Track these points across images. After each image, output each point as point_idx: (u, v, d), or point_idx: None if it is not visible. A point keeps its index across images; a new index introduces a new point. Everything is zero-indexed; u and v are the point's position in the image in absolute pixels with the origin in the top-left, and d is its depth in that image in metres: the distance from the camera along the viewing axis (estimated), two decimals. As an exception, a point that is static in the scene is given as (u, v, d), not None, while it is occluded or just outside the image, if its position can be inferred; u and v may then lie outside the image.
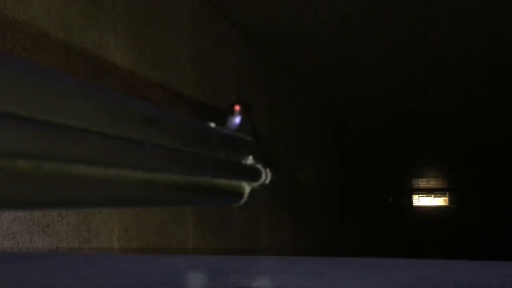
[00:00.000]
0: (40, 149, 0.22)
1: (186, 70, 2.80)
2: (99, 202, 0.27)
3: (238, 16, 3.39)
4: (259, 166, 0.45)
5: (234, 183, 0.44)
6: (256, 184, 0.45)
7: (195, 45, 2.92)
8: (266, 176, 0.44)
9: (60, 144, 0.23)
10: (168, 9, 2.64)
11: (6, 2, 1.59)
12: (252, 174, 0.44)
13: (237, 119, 0.45)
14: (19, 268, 1.15)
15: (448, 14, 3.42)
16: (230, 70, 3.46)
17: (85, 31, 1.96)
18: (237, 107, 0.45)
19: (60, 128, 0.23)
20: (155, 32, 2.50)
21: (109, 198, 0.27)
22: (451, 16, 3.46)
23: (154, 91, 2.47)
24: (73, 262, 1.33)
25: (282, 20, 3.51)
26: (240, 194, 0.44)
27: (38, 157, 0.22)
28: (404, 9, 3.34)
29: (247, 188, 0.45)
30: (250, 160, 0.45)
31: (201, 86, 2.97)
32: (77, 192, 0.25)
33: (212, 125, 0.40)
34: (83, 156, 0.25)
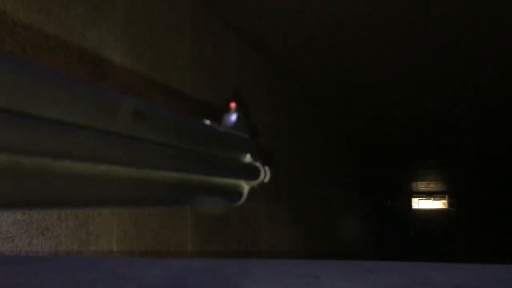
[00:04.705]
0: (19, 143, 0.20)
1: (185, 72, 2.81)
2: (87, 201, 0.25)
3: (237, 19, 3.40)
4: (258, 164, 0.44)
5: (232, 181, 0.42)
6: (255, 182, 0.44)
7: (195, 48, 2.93)
8: (265, 175, 0.44)
9: (42, 138, 0.21)
10: (167, 12, 2.64)
11: (6, 6, 1.60)
12: (250, 172, 0.43)
13: (233, 117, 0.44)
14: (18, 272, 1.15)
15: (448, 17, 3.43)
16: (230, 73, 3.46)
17: (84, 34, 1.97)
18: (232, 105, 0.44)
19: (42, 121, 0.21)
20: (154, 35, 2.50)
21: (98, 197, 0.25)
22: (451, 19, 3.47)
23: (153, 93, 2.47)
24: (72, 265, 1.33)
25: (282, 23, 3.52)
26: (239, 193, 0.43)
27: (17, 151, 0.20)
28: (404, 12, 3.35)
29: (245, 187, 0.44)
30: (248, 158, 0.44)
31: (201, 88, 2.97)
32: (62, 190, 0.23)
33: (207, 122, 0.39)
34: (67, 151, 0.23)
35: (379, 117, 6.94)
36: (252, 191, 0.44)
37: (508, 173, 10.62)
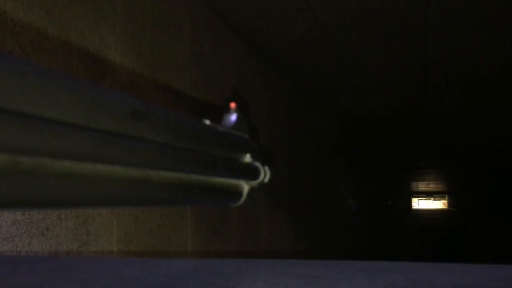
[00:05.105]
0: (18, 143, 0.20)
1: (185, 72, 2.81)
2: (87, 201, 0.25)
3: (237, 19, 3.40)
4: (258, 164, 0.44)
5: (232, 181, 0.42)
6: (254, 182, 0.44)
7: (195, 48, 2.93)
8: (265, 175, 0.43)
9: (40, 137, 0.21)
10: (167, 12, 2.64)
11: (6, 6, 1.60)
12: (250, 172, 0.43)
13: (233, 117, 0.44)
14: (18, 272, 1.15)
15: (447, 16, 3.43)
16: (229, 73, 3.46)
17: (84, 34, 1.97)
18: (232, 105, 0.44)
19: (40, 121, 0.21)
20: (154, 35, 2.50)
21: (98, 197, 0.25)
22: (450, 18, 3.46)
23: (153, 94, 2.47)
24: (72, 265, 1.33)
25: (281, 23, 3.52)
26: (239, 193, 0.42)
27: (16, 151, 0.20)
28: (403, 11, 3.35)
29: (245, 187, 0.43)
30: (247, 158, 0.43)
31: (200, 88, 2.97)
32: (62, 190, 0.23)
33: (207, 122, 0.39)
34: (67, 151, 0.23)
35: (380, 116, 6.95)
36: (252, 191, 0.44)
37: (509, 173, 10.61)
